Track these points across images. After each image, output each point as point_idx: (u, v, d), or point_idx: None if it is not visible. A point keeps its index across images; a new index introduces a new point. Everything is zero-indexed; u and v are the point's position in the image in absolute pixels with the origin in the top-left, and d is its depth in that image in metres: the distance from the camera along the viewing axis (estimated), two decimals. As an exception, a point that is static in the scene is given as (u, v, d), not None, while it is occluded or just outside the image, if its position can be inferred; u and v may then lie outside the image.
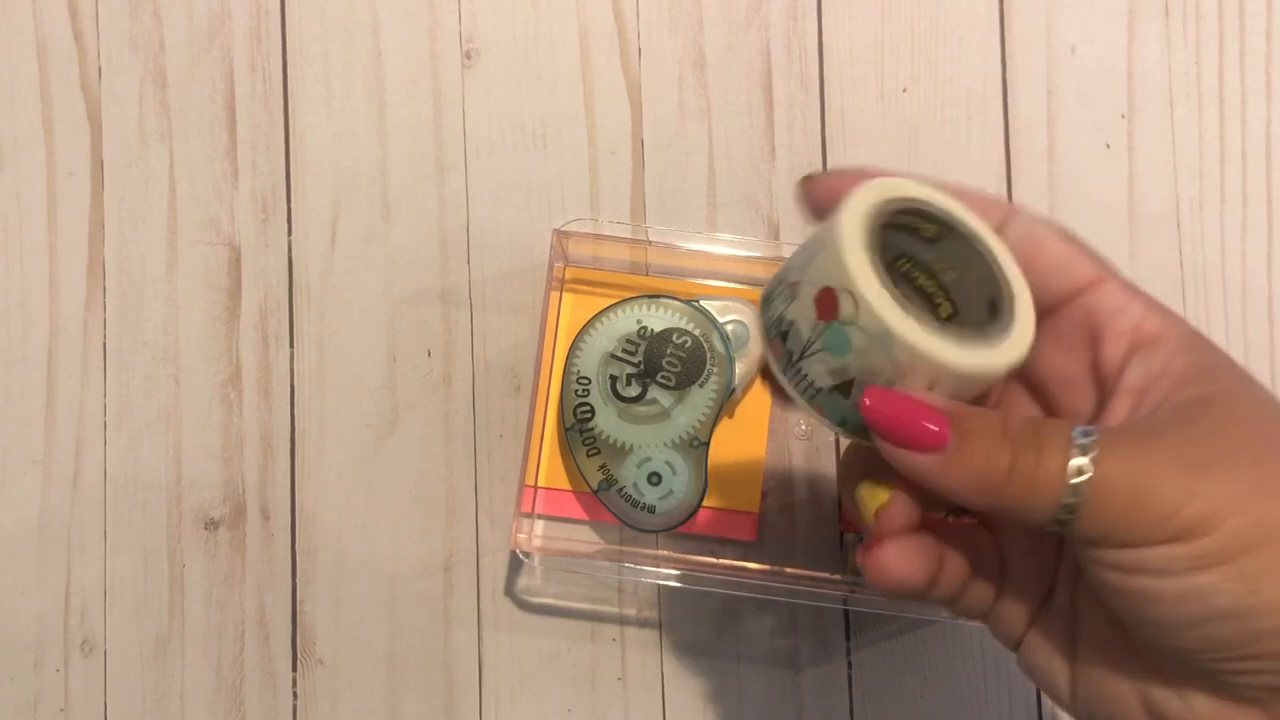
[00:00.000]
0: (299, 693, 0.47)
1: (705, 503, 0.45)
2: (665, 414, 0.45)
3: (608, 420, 0.45)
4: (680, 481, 0.44)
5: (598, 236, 0.46)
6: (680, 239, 0.46)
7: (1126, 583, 0.25)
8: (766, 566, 0.46)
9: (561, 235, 0.45)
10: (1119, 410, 0.27)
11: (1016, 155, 0.48)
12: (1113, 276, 0.28)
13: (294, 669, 0.47)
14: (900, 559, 0.28)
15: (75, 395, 0.48)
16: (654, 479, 0.44)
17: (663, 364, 0.45)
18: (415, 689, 0.47)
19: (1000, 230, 0.28)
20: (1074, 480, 0.24)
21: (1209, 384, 0.25)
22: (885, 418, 0.26)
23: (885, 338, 0.25)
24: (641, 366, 0.45)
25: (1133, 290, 0.28)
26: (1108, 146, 0.48)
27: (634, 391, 0.45)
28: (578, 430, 0.45)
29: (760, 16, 0.48)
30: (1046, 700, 0.46)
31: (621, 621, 0.47)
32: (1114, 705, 0.27)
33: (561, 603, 0.47)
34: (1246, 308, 0.48)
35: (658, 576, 0.45)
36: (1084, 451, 0.24)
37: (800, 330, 0.27)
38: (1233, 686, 0.25)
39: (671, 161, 0.48)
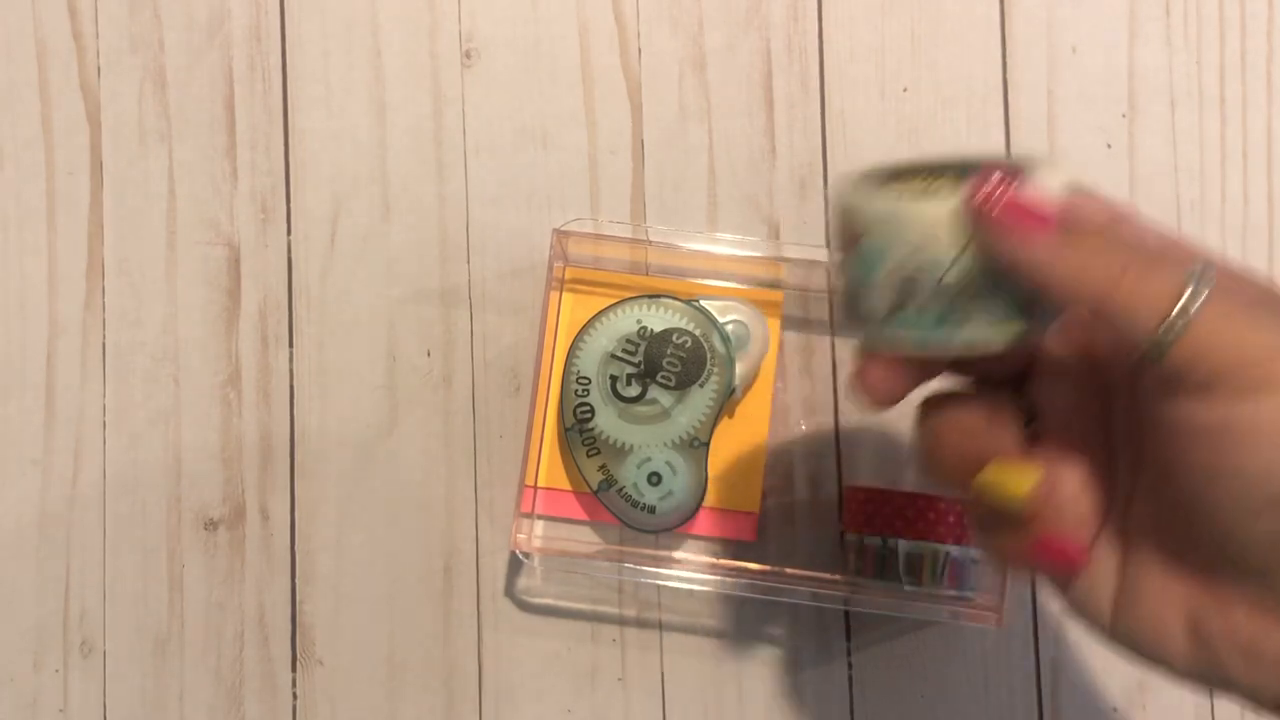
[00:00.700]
0: (299, 693, 0.47)
1: (705, 503, 0.45)
2: (665, 414, 0.45)
3: (608, 420, 0.45)
4: (680, 481, 0.44)
5: (598, 236, 0.46)
6: (680, 239, 0.46)
7: (1201, 442, 0.25)
8: (766, 566, 0.46)
9: (561, 235, 0.45)
10: None
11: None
12: None
13: (294, 669, 0.47)
14: (1082, 550, 0.28)
15: (75, 395, 0.48)
16: (654, 479, 0.44)
17: (663, 364, 0.45)
18: (415, 689, 0.47)
19: None
20: (1181, 302, 0.24)
21: None
22: (1000, 205, 0.26)
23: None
24: (641, 366, 0.45)
25: None
26: (1108, 147, 0.48)
27: (634, 391, 0.45)
28: (578, 430, 0.45)
29: (760, 16, 0.48)
30: (1047, 700, 0.46)
31: (621, 621, 0.47)
32: (1158, 624, 0.27)
33: (561, 603, 0.47)
34: (1247, 308, 0.48)
35: (658, 576, 0.45)
36: (1196, 281, 0.24)
37: (928, 277, 0.27)
38: None
39: (671, 161, 0.48)
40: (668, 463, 0.44)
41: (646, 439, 0.45)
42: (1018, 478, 0.28)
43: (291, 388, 0.48)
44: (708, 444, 0.45)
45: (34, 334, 0.48)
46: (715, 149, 0.48)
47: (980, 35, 0.49)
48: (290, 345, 0.48)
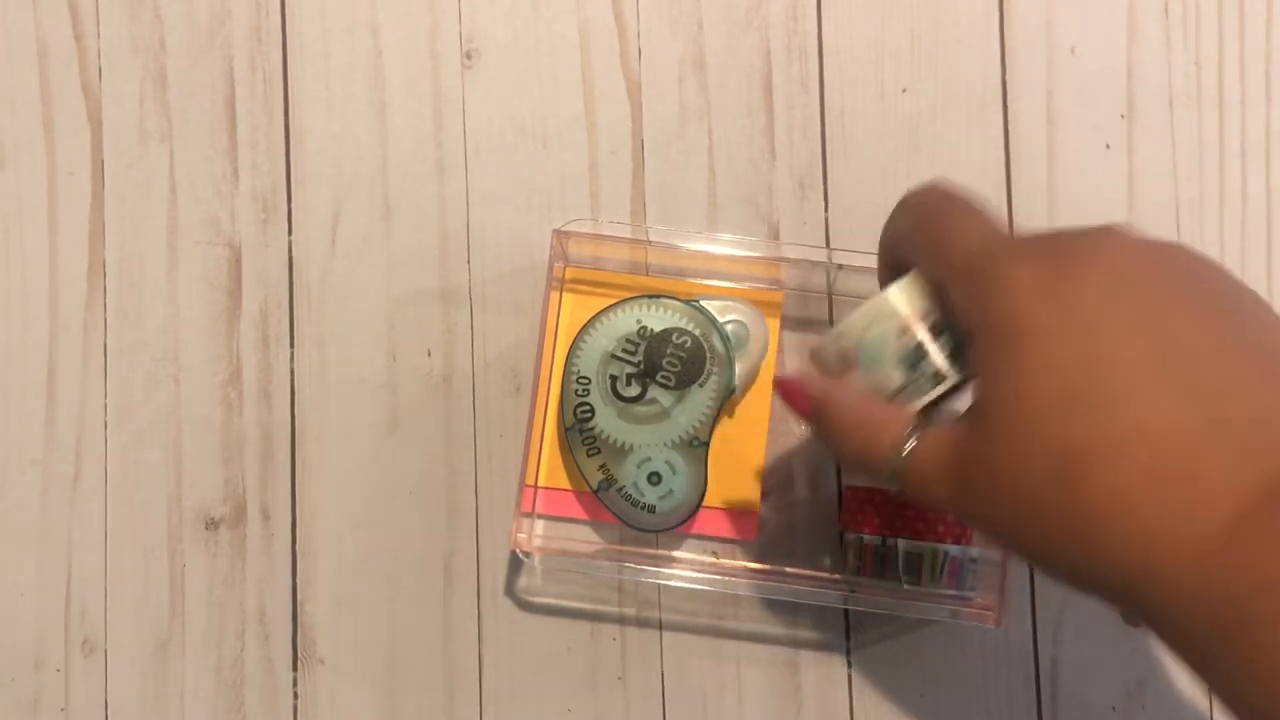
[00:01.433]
0: (299, 693, 0.47)
1: (705, 503, 0.45)
2: (665, 414, 0.45)
3: (608, 420, 0.45)
4: (680, 481, 0.44)
5: (598, 236, 0.46)
6: (680, 239, 0.46)
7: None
8: (766, 566, 0.46)
9: (561, 235, 0.45)
10: None
11: (1016, 155, 0.48)
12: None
13: (294, 669, 0.47)
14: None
15: (75, 395, 0.48)
16: (654, 479, 0.44)
17: (663, 364, 0.45)
18: (415, 689, 0.47)
19: None
20: (906, 450, 0.33)
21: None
22: (777, 385, 0.37)
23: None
24: (641, 366, 0.45)
25: None
26: (1107, 147, 0.48)
27: (634, 391, 0.45)
28: (578, 430, 0.45)
29: (760, 16, 0.49)
30: (1046, 700, 0.46)
31: (621, 621, 0.47)
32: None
33: (561, 603, 0.47)
34: (1246, 308, 0.48)
35: (658, 576, 0.45)
36: (909, 438, 0.33)
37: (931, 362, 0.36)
38: None
39: (671, 161, 0.48)
40: (668, 462, 0.44)
41: (646, 439, 0.45)
42: None
43: (292, 387, 0.48)
44: (708, 444, 0.45)
45: (35, 334, 0.48)
46: (715, 149, 0.48)
47: (979, 35, 0.49)
48: (291, 345, 0.48)
